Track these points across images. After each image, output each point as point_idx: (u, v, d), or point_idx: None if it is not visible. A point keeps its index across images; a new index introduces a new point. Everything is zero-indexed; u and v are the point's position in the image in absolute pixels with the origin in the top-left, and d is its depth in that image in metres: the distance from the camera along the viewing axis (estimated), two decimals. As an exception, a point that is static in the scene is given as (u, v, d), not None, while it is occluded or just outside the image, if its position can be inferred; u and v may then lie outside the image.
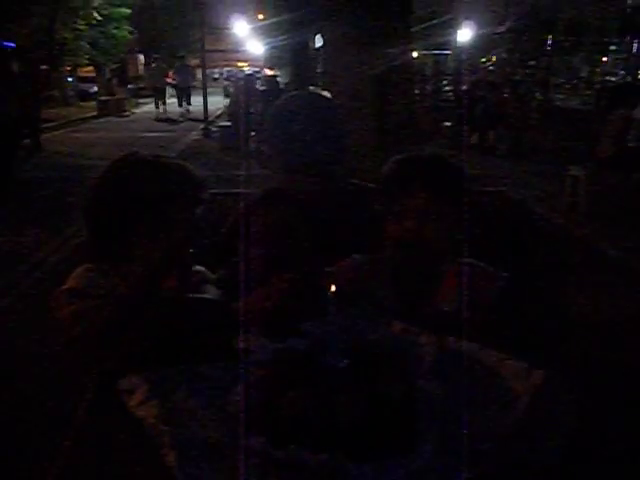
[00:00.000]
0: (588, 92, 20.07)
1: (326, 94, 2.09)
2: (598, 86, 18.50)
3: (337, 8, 5.44)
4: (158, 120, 18.21)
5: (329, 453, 0.86)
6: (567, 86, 24.81)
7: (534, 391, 0.97)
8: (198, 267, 1.59)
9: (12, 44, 19.86)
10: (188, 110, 18.93)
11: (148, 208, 1.37)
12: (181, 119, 18.30)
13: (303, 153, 1.75)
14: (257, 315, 1.20)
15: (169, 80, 20.61)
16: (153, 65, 21.72)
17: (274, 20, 18.05)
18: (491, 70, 21.89)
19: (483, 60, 25.10)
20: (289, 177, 1.78)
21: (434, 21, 22.00)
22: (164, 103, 19.14)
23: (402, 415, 0.95)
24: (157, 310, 1.25)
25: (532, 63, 22.10)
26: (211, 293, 1.51)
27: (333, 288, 1.01)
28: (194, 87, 20.36)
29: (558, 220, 6.51)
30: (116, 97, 22.78)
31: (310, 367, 1.01)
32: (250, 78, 14.78)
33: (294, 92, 1.96)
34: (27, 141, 12.48)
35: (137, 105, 23.67)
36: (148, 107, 21.63)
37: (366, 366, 1.01)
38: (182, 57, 21.63)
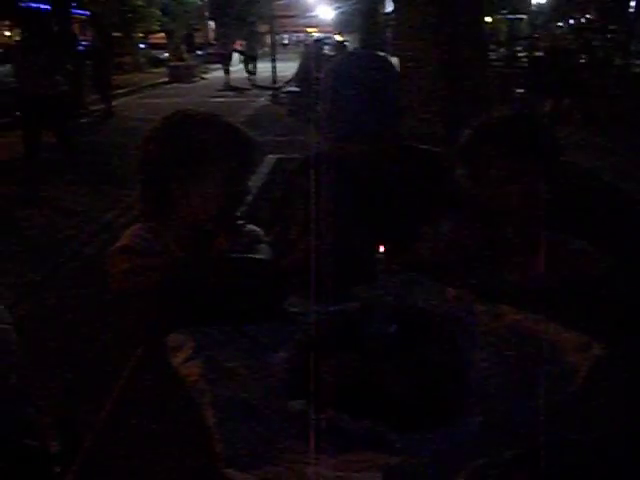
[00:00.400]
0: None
1: (384, 55, 2.00)
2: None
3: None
4: (225, 89, 18.26)
5: (371, 420, 0.83)
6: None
7: (593, 363, 0.92)
8: (251, 226, 1.57)
9: (86, 12, 20.28)
10: (252, 78, 19.12)
11: (194, 165, 1.35)
12: (247, 87, 18.33)
13: (352, 120, 1.67)
14: (305, 277, 1.17)
15: (237, 47, 20.98)
16: (220, 31, 22.23)
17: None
18: (568, 35, 21.05)
19: (560, 24, 24.11)
20: (337, 145, 1.72)
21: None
22: (228, 72, 19.16)
23: (451, 385, 0.92)
24: (206, 269, 1.24)
25: (613, 27, 21.08)
26: (264, 253, 1.49)
27: (382, 249, 0.97)
28: (264, 53, 20.55)
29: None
30: (186, 63, 23.01)
31: (358, 332, 0.99)
32: (318, 44, 14.67)
33: (350, 51, 1.88)
34: (101, 106, 12.85)
35: (207, 71, 23.90)
36: (217, 73, 21.74)
37: (415, 333, 0.97)
38: (252, 23, 21.71)
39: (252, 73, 19.66)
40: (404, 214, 1.55)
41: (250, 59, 19.97)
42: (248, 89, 17.95)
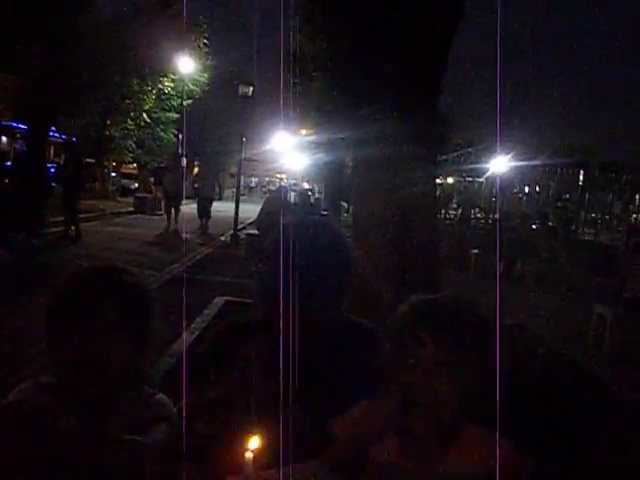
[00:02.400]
0: (620, 229, 20.09)
1: (337, 232, 1.93)
2: (629, 225, 18.51)
3: (370, 133, 5.57)
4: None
5: None
6: (599, 221, 24.91)
7: None
8: (161, 397, 1.43)
9: (62, 136, 20.79)
10: (204, 224, 16.98)
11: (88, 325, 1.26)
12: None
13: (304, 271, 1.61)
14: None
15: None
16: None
17: (313, 138, 18.70)
18: (522, 201, 22.15)
19: (515, 191, 25.47)
20: (273, 309, 1.64)
21: (469, 149, 22.55)
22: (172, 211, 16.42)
23: None
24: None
25: (565, 197, 22.34)
26: (163, 432, 1.34)
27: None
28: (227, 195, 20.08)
29: (581, 360, 6.27)
30: (152, 195, 23.39)
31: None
32: (283, 190, 15.08)
33: (300, 220, 1.82)
34: (61, 228, 12.79)
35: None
36: (183, 207, 22.12)
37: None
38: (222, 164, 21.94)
39: (206, 218, 17.13)
40: (332, 386, 1.47)
41: (205, 201, 17.31)
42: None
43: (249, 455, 0.87)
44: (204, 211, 17.17)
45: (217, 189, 19.01)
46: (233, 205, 16.08)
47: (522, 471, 1.23)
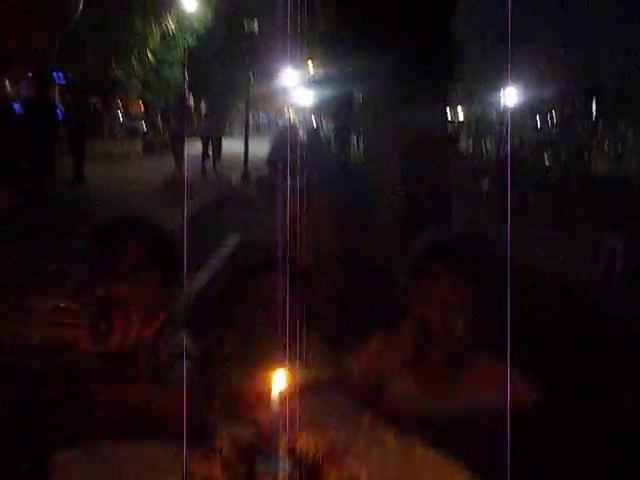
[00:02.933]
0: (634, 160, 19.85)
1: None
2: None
3: (379, 67, 5.49)
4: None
5: None
6: (613, 153, 24.60)
7: None
8: (183, 335, 1.49)
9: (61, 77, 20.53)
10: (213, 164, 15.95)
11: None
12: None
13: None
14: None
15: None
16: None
17: (322, 72, 18.38)
18: (535, 132, 21.83)
19: (528, 122, 25.10)
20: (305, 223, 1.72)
21: (480, 82, 22.13)
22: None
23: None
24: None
25: (578, 127, 21.98)
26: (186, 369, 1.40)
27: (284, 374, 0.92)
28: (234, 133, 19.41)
29: (592, 292, 6.31)
30: (161, 136, 23.21)
31: (248, 459, 0.92)
32: (293, 126, 14.92)
33: (321, 159, 1.91)
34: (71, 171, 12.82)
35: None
36: (191, 146, 21.96)
37: (306, 470, 0.91)
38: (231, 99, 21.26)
39: (214, 158, 16.01)
40: (348, 321, 1.52)
41: (211, 140, 16.02)
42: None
43: (275, 390, 0.90)
44: (213, 151, 16.15)
45: (225, 127, 17.77)
46: (241, 144, 16.00)
47: (530, 398, 1.27)
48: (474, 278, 1.35)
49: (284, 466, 0.89)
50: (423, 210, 5.03)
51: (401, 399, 1.32)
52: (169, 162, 17.02)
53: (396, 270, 1.57)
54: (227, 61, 32.16)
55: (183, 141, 15.73)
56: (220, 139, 16.51)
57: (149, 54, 24.06)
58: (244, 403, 1.16)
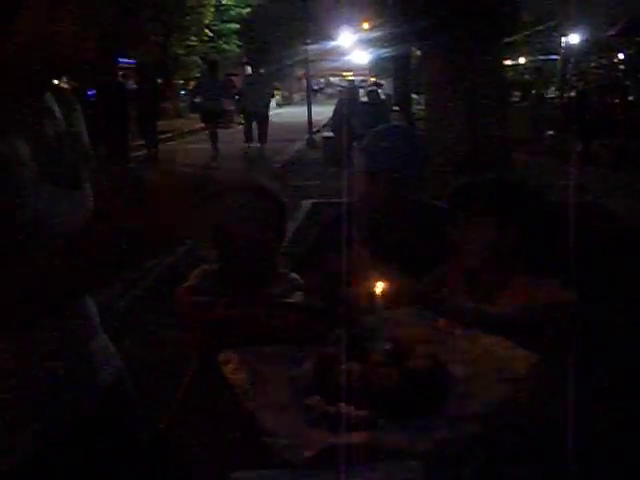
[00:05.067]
0: None
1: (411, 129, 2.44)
2: None
3: (435, 21, 5.69)
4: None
5: (368, 410, 1.15)
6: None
7: (526, 374, 1.23)
8: (292, 275, 1.90)
9: (131, 61, 21.20)
10: (254, 148, 13.39)
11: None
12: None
13: (383, 165, 2.07)
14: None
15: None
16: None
17: (377, 32, 18.33)
18: (600, 75, 21.20)
19: (593, 65, 24.31)
20: (368, 181, 2.10)
21: (541, 27, 21.53)
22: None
23: (432, 388, 1.23)
24: (252, 313, 1.58)
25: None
26: (300, 299, 1.82)
27: (379, 285, 1.30)
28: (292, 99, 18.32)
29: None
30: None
31: (363, 348, 1.32)
32: (352, 89, 15.01)
33: (381, 127, 2.27)
34: (144, 152, 13.45)
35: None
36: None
37: (403, 350, 1.30)
38: (289, 67, 20.75)
39: (258, 140, 13.40)
40: (410, 258, 1.89)
41: (256, 117, 13.35)
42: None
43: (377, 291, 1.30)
44: (259, 131, 13.49)
45: (270, 102, 13.96)
46: (303, 109, 16.23)
47: (570, 306, 1.60)
48: (505, 212, 1.70)
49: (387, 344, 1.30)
50: (484, 162, 5.29)
51: (459, 310, 1.68)
52: (232, 134, 17.34)
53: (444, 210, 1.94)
54: (283, 28, 32.34)
55: (218, 118, 13.62)
56: (266, 116, 13.54)
57: (205, 29, 24.52)
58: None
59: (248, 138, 13.55)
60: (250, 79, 13.86)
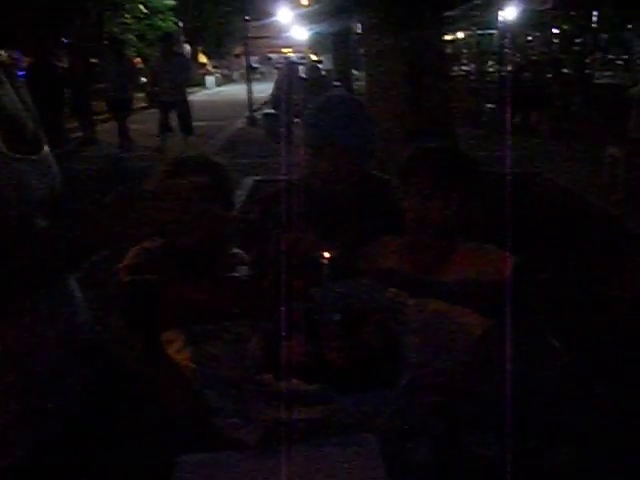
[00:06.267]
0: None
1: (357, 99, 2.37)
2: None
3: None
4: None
5: (321, 385, 1.11)
6: (618, 62, 24.30)
7: (481, 337, 1.21)
8: (236, 250, 1.84)
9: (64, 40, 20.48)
10: (164, 140, 10.74)
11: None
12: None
13: (333, 139, 2.01)
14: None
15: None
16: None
17: (316, 7, 18.17)
18: (535, 49, 21.57)
19: (529, 39, 24.73)
20: (316, 156, 2.05)
21: (477, 1, 21.71)
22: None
23: (384, 358, 1.20)
24: (196, 289, 1.51)
25: (578, 40, 21.65)
26: (245, 273, 1.76)
27: (326, 255, 1.26)
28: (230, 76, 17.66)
29: (594, 200, 6.57)
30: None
31: (312, 321, 1.27)
32: (292, 64, 14.86)
33: (325, 95, 2.19)
34: (79, 134, 13.05)
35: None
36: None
37: (354, 321, 1.26)
38: (227, 46, 20.46)
39: (181, 131, 10.84)
40: (357, 229, 1.86)
41: (172, 106, 10.81)
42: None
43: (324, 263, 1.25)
44: (179, 120, 10.95)
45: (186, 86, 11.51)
46: (244, 87, 16.05)
47: (508, 268, 1.60)
48: (456, 180, 1.69)
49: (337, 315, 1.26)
50: (425, 134, 5.30)
51: (406, 279, 1.66)
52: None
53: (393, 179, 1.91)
54: (220, 5, 31.79)
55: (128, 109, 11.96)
56: (185, 102, 10.98)
57: (140, 5, 23.89)
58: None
59: (163, 129, 10.91)
60: (161, 61, 10.94)
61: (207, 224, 1.59)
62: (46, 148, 1.18)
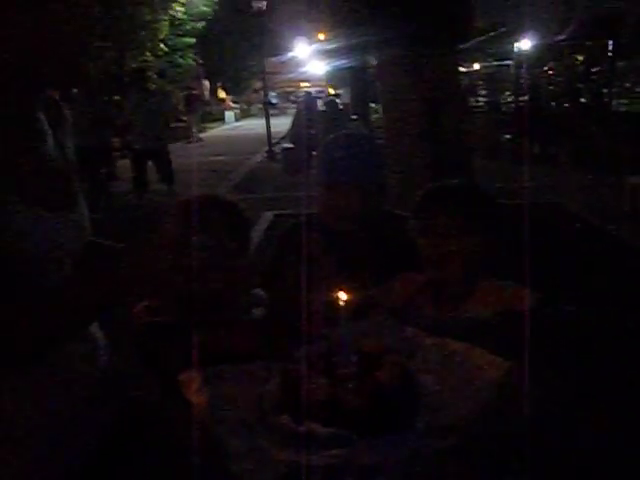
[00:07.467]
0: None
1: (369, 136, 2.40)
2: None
3: (390, 32, 5.73)
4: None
5: (337, 427, 1.11)
6: (636, 90, 24.24)
7: (500, 380, 1.20)
8: (254, 290, 1.85)
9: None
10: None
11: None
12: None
13: (344, 177, 2.03)
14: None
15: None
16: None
17: (333, 43, 18.41)
18: (553, 79, 21.62)
19: (545, 69, 24.80)
20: (329, 194, 2.07)
21: (492, 33, 21.87)
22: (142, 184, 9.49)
23: (401, 400, 1.19)
24: (213, 331, 1.52)
25: (595, 70, 21.66)
26: (261, 313, 1.77)
27: (344, 298, 1.26)
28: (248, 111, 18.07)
29: (614, 231, 6.52)
30: (183, 124, 23.54)
31: (327, 362, 1.27)
32: (311, 98, 15.03)
33: (337, 134, 2.22)
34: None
35: (203, 130, 24.53)
36: (214, 132, 22.27)
37: (371, 361, 1.25)
38: (246, 80, 20.88)
39: (162, 182, 9.28)
40: (374, 267, 1.86)
41: (149, 155, 9.09)
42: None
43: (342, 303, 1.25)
44: (160, 171, 9.36)
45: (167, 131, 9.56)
46: (262, 122, 16.24)
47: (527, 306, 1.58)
48: (474, 218, 1.68)
49: (353, 356, 1.25)
50: (444, 167, 5.32)
51: (425, 318, 1.66)
52: (193, 148, 17.24)
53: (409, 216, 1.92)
54: (238, 42, 32.34)
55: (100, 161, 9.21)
56: (164, 150, 9.28)
57: (160, 43, 24.37)
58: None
59: (138, 184, 9.22)
60: (133, 102, 9.06)
61: (222, 276, 1.60)
62: (81, 202, 1.17)
